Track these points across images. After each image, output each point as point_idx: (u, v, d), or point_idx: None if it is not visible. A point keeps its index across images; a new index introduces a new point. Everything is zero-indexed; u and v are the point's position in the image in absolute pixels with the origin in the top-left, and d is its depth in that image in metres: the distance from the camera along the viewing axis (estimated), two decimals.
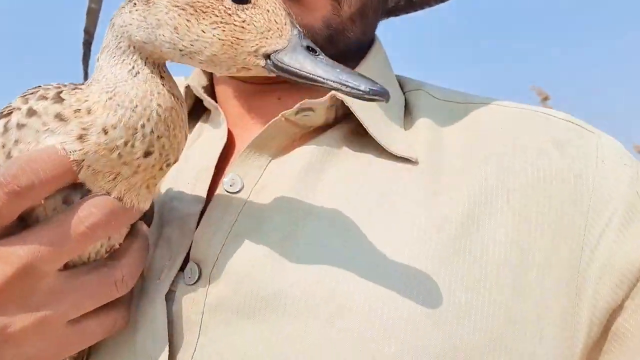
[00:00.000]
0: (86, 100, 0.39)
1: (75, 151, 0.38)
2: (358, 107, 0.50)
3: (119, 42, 0.41)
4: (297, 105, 0.49)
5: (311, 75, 0.37)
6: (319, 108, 0.50)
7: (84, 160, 0.38)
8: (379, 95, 0.35)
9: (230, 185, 0.49)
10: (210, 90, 0.59)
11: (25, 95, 0.41)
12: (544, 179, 0.48)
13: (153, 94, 0.40)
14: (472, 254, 0.45)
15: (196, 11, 0.38)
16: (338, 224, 0.46)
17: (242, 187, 0.49)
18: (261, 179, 0.49)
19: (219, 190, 0.49)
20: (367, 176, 0.49)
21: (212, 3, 0.38)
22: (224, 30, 0.38)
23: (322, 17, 0.50)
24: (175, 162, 0.43)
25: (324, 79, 0.37)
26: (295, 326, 0.42)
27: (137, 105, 0.39)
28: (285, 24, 0.39)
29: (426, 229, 0.45)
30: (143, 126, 0.39)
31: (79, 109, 0.39)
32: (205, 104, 0.56)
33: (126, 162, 0.39)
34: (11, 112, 0.41)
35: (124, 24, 0.41)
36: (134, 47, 0.41)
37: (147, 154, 0.39)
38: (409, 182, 0.48)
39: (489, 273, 0.44)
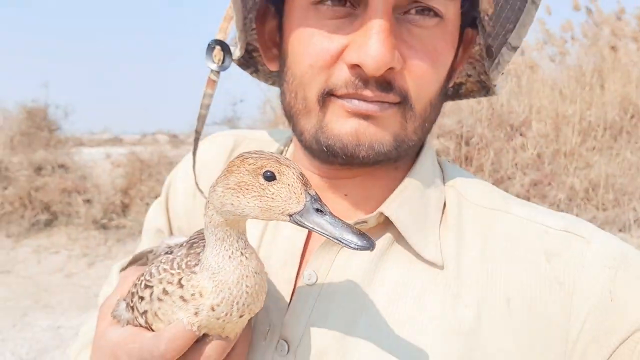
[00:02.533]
0: (198, 286, 0.57)
1: (194, 323, 0.56)
2: (399, 218, 0.67)
3: (216, 234, 0.57)
4: (356, 219, 0.66)
5: (319, 231, 0.52)
6: (371, 219, 0.67)
7: (200, 325, 0.56)
8: (365, 249, 0.50)
9: (308, 279, 0.68)
10: None
11: (159, 271, 0.60)
12: (536, 289, 0.63)
13: (243, 277, 0.56)
14: (481, 349, 0.62)
15: (242, 189, 0.53)
16: (384, 320, 0.64)
17: (317, 279, 0.68)
18: (330, 273, 0.68)
19: (301, 282, 0.68)
20: (406, 280, 0.66)
21: (252, 181, 0.53)
22: (260, 200, 0.53)
23: (392, 133, 0.64)
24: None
25: (327, 234, 0.51)
26: None
27: (232, 290, 0.55)
28: (301, 194, 0.53)
29: (447, 330, 0.62)
30: (237, 302, 0.56)
31: (194, 293, 0.56)
32: None
33: (229, 322, 0.57)
34: (152, 286, 0.59)
35: (209, 220, 0.57)
36: (223, 231, 0.56)
37: (241, 316, 0.57)
38: (437, 285, 0.65)
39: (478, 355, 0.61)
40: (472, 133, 6.49)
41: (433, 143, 6.30)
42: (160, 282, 0.58)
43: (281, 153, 0.81)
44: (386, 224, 0.68)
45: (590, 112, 6.88)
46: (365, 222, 0.66)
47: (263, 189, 0.52)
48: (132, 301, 0.62)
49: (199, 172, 0.81)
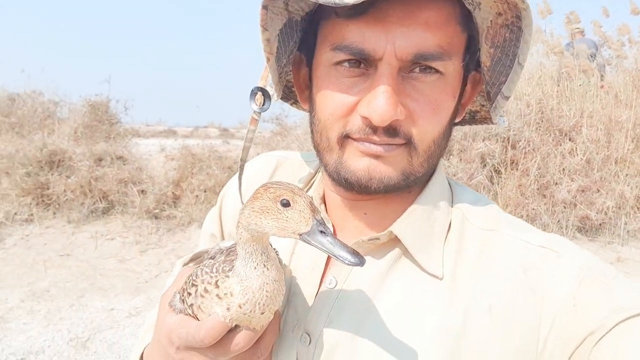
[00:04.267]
0: (229, 287, 0.70)
1: (227, 316, 0.69)
2: (406, 236, 0.79)
3: (245, 249, 0.70)
4: (369, 236, 0.79)
5: (321, 248, 0.63)
6: (382, 236, 0.79)
7: (231, 318, 0.69)
8: (356, 265, 0.60)
9: (329, 284, 0.81)
10: (324, 196, 0.89)
11: (203, 273, 0.73)
12: (514, 296, 0.73)
13: (264, 284, 0.69)
14: (467, 349, 0.72)
15: (264, 212, 0.65)
16: (389, 321, 0.76)
17: (336, 284, 0.81)
18: (348, 279, 0.80)
19: (323, 286, 0.82)
20: (410, 288, 0.78)
21: (272, 206, 0.65)
22: (277, 221, 0.65)
23: (400, 169, 0.75)
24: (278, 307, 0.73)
25: (327, 250, 0.62)
26: None
27: (255, 294, 0.69)
28: (309, 218, 0.64)
29: (439, 332, 0.73)
30: (259, 303, 0.69)
31: (226, 293, 0.70)
32: (323, 215, 0.85)
33: (253, 317, 0.70)
34: (197, 285, 0.73)
35: (239, 237, 0.70)
36: (250, 246, 0.69)
37: (262, 313, 0.70)
38: (435, 294, 0.76)
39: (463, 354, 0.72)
40: (519, 137, 6.42)
41: (479, 145, 6.27)
42: (203, 282, 0.72)
43: (314, 175, 0.95)
44: (396, 240, 0.79)
45: None
46: (377, 238, 0.78)
47: (280, 213, 0.65)
48: (183, 295, 0.76)
49: (245, 189, 0.97)
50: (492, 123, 0.92)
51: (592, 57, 7.71)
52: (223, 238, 1.04)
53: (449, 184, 0.88)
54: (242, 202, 0.93)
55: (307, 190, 0.93)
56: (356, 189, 0.77)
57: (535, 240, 0.77)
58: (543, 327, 0.70)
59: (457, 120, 0.83)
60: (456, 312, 0.74)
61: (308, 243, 0.64)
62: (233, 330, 0.71)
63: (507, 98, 0.80)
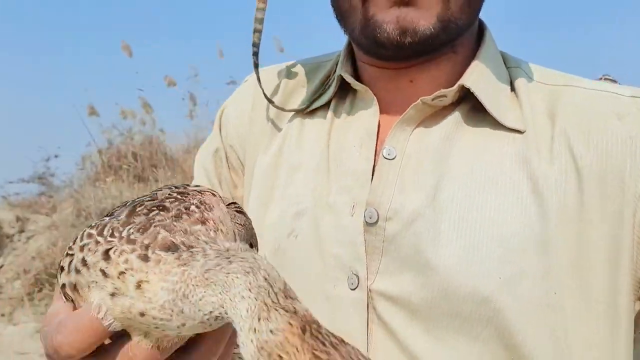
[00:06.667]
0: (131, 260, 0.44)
1: (106, 309, 0.43)
2: (479, 88, 0.68)
3: None
4: (435, 94, 0.68)
5: None
6: (450, 94, 0.68)
7: (116, 315, 0.43)
8: None
9: (388, 154, 0.70)
10: (356, 76, 0.77)
11: (84, 240, 0.47)
12: (607, 143, 0.65)
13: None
14: (557, 203, 0.64)
15: None
16: (465, 187, 0.67)
17: (396, 155, 0.70)
18: (407, 148, 0.70)
19: (381, 158, 0.70)
20: (486, 148, 0.68)
21: None
22: None
23: (435, 15, 0.66)
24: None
25: None
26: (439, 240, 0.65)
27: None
28: None
29: (528, 190, 0.65)
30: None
31: (123, 270, 0.43)
32: (358, 89, 0.75)
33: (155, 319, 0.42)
34: (72, 254, 0.46)
35: None
36: None
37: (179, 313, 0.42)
38: (517, 148, 0.68)
39: (562, 208, 0.64)
40: None
41: None
42: (82, 250, 0.46)
43: (336, 64, 0.81)
44: (457, 103, 0.71)
45: None
46: (444, 96, 0.68)
47: None
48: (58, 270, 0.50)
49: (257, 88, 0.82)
50: None
51: None
52: (226, 155, 0.88)
53: None
54: (265, 95, 0.80)
55: (331, 80, 0.80)
56: (390, 50, 0.67)
57: (625, 91, 0.70)
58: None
59: None
60: (547, 163, 0.66)
61: None
62: (123, 341, 0.44)
63: None
